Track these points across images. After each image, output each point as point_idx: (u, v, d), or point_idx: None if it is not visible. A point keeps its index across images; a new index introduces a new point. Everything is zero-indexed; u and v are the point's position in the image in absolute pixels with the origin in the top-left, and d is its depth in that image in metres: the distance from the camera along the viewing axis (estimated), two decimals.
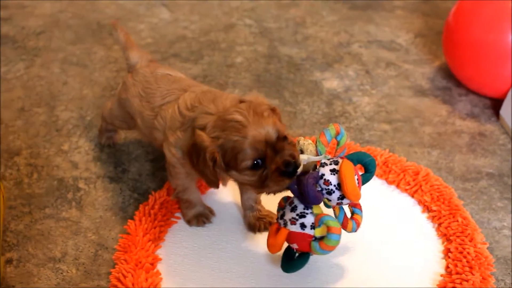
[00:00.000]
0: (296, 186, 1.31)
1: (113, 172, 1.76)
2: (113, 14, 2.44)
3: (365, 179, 1.38)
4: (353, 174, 1.30)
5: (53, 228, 1.60)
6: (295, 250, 1.37)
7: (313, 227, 1.32)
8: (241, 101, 1.36)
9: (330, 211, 1.37)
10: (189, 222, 1.56)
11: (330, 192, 1.31)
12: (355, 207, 1.39)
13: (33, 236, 1.58)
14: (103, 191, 1.70)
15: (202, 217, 1.56)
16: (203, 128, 1.34)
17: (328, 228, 1.29)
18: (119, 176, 1.74)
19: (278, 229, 1.35)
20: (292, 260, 1.37)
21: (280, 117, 1.39)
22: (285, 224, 1.34)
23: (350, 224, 1.36)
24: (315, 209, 1.33)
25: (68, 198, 1.68)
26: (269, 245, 1.36)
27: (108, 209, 1.65)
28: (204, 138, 1.32)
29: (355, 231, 1.37)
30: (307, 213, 1.33)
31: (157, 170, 1.76)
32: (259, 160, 1.30)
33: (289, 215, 1.34)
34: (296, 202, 1.35)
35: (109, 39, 2.31)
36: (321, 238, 1.31)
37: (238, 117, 1.30)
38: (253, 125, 1.29)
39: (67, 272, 1.49)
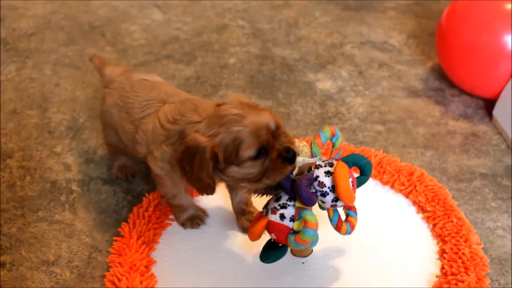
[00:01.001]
0: (289, 184, 1.32)
1: (106, 174, 1.75)
2: (105, 15, 2.43)
3: (360, 181, 1.38)
4: (347, 176, 1.30)
5: (46, 231, 1.59)
6: (272, 240, 1.36)
7: (292, 219, 1.31)
8: (219, 105, 1.35)
9: (325, 213, 1.36)
10: (183, 225, 1.55)
11: (324, 194, 1.31)
12: (350, 210, 1.38)
13: (26, 239, 1.57)
14: (96, 194, 1.69)
15: (195, 219, 1.55)
16: (197, 131, 1.32)
17: (305, 222, 1.29)
18: (113, 178, 1.73)
19: (260, 217, 1.35)
20: (270, 250, 1.36)
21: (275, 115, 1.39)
22: (267, 213, 1.34)
23: (345, 226, 1.36)
24: (298, 202, 1.32)
25: (61, 201, 1.67)
26: (249, 232, 1.36)
27: (102, 212, 1.64)
28: (200, 138, 1.29)
29: (349, 233, 1.37)
30: (289, 205, 1.32)
31: (150, 172, 1.74)
32: (261, 148, 1.27)
33: (272, 204, 1.34)
34: (282, 192, 1.34)
35: (102, 40, 2.30)
36: (298, 232, 1.31)
37: (234, 110, 1.29)
38: (252, 115, 1.28)
39: (61, 275, 1.49)
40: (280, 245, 1.35)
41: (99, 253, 1.54)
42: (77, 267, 1.51)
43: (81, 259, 1.52)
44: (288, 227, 1.30)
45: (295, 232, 1.31)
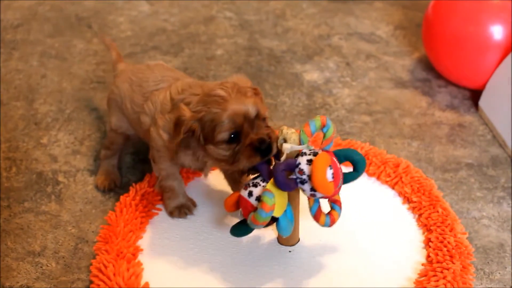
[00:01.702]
0: (264, 167, 1.32)
1: (93, 165, 1.75)
2: (92, 6, 2.42)
3: (350, 177, 1.36)
4: (325, 166, 1.28)
5: (32, 222, 1.59)
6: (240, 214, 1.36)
7: (258, 199, 1.31)
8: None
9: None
10: (171, 213, 1.55)
11: (303, 182, 1.31)
12: (335, 203, 1.37)
13: (12, 230, 1.56)
14: (82, 185, 1.69)
15: (184, 208, 1.55)
16: (188, 104, 1.38)
17: (261, 203, 1.28)
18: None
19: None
20: (238, 225, 1.37)
21: (262, 99, 1.41)
22: (241, 188, 1.35)
23: (323, 218, 1.35)
24: (269, 184, 1.31)
25: (47, 192, 1.67)
26: (224, 203, 1.38)
27: (88, 203, 1.64)
28: (186, 111, 1.36)
29: (329, 226, 1.36)
30: (260, 184, 1.32)
31: (137, 163, 1.75)
32: (235, 133, 1.33)
33: (248, 181, 1.34)
34: None
35: (88, 32, 2.29)
36: None
37: (221, 92, 1.35)
38: (234, 100, 1.34)
39: (47, 265, 1.48)
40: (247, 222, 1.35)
41: (85, 243, 1.53)
42: (63, 257, 1.50)
43: (67, 249, 1.52)
44: (252, 205, 1.30)
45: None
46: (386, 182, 1.63)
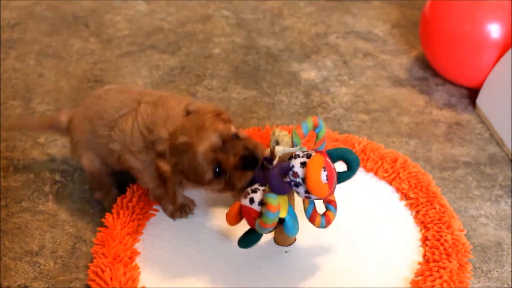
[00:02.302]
0: (259, 173, 1.32)
1: None
2: (88, 6, 2.41)
3: (344, 177, 1.36)
4: (319, 169, 1.28)
5: (30, 222, 1.59)
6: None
7: (261, 203, 1.30)
8: (188, 113, 1.41)
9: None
10: (172, 215, 1.54)
11: (297, 185, 1.30)
12: (330, 204, 1.37)
13: (9, 230, 1.56)
14: (80, 184, 1.69)
15: (184, 208, 1.55)
16: (163, 154, 1.38)
17: (266, 205, 1.28)
18: None
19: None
20: (245, 235, 1.36)
21: (228, 118, 1.40)
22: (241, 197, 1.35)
23: (319, 219, 1.35)
24: (268, 187, 1.31)
25: (45, 191, 1.67)
26: (225, 217, 1.37)
27: (86, 202, 1.64)
28: (165, 168, 1.37)
29: (324, 227, 1.36)
30: (259, 189, 1.31)
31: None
32: (217, 167, 1.33)
33: (246, 189, 1.34)
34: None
35: (85, 31, 2.29)
36: None
37: (183, 138, 1.34)
38: (198, 141, 1.33)
39: (45, 265, 1.48)
40: (253, 230, 1.34)
41: (83, 243, 1.53)
42: (61, 257, 1.50)
43: (65, 249, 1.52)
44: (256, 211, 1.30)
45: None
46: (383, 178, 1.63)
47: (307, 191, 1.30)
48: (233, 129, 1.36)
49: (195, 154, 1.33)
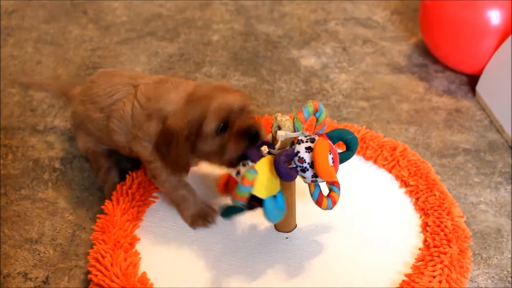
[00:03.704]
0: (254, 153, 1.32)
1: None
2: None
3: (345, 157, 1.37)
4: (327, 153, 1.28)
5: (29, 209, 1.58)
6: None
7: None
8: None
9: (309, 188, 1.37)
10: (192, 224, 1.48)
11: (304, 170, 1.31)
12: (333, 185, 1.38)
13: (9, 218, 1.56)
14: (79, 171, 1.68)
15: (206, 217, 1.47)
16: (166, 117, 1.36)
17: (242, 178, 1.27)
18: None
19: None
20: (228, 207, 1.35)
21: (247, 97, 1.40)
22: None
23: (325, 201, 1.35)
24: (257, 164, 1.30)
25: (44, 179, 1.66)
26: (216, 184, 1.36)
27: (85, 189, 1.64)
28: (177, 124, 1.34)
29: (330, 208, 1.36)
30: (248, 164, 1.31)
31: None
32: (222, 125, 1.33)
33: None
34: None
35: (84, 18, 2.27)
36: None
37: (204, 91, 1.36)
38: (218, 96, 1.35)
39: (44, 253, 1.48)
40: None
41: (83, 230, 1.53)
42: (61, 244, 1.50)
43: (64, 236, 1.52)
44: (237, 181, 1.29)
45: None
46: (383, 166, 1.62)
47: (313, 175, 1.30)
48: (252, 106, 1.38)
49: (210, 104, 1.33)
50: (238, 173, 1.30)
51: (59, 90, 1.74)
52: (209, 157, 1.39)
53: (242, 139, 1.33)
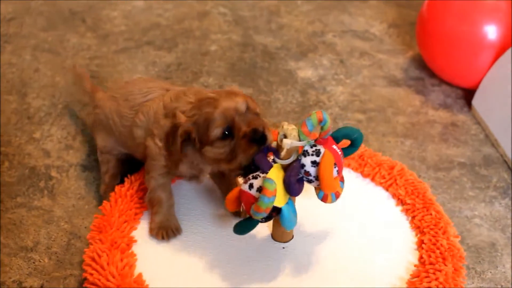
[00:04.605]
0: (264, 161, 1.32)
1: (86, 160, 1.74)
2: (85, 1, 2.41)
3: (349, 153, 1.38)
4: (332, 168, 1.30)
5: (24, 217, 1.58)
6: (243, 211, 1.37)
7: (259, 190, 1.30)
8: None
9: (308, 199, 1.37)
10: (151, 230, 1.48)
11: (310, 181, 1.34)
12: (339, 180, 1.38)
13: (4, 225, 1.56)
14: (76, 180, 1.69)
15: (168, 230, 1.47)
16: (183, 113, 1.40)
17: (262, 189, 1.28)
18: (93, 164, 1.72)
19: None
20: (242, 221, 1.36)
21: (256, 103, 1.41)
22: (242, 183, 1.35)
23: (330, 198, 1.36)
24: (270, 173, 1.31)
25: (40, 187, 1.66)
26: (225, 201, 1.37)
27: (81, 198, 1.64)
28: (181, 118, 1.38)
29: (335, 201, 1.37)
30: (259, 176, 1.32)
31: (131, 158, 1.74)
32: (227, 128, 1.35)
33: (248, 174, 1.34)
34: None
35: (82, 26, 2.28)
36: None
37: (212, 94, 1.39)
38: (225, 99, 1.37)
39: (39, 261, 1.48)
40: (250, 217, 1.34)
41: (78, 239, 1.53)
42: (56, 253, 1.50)
43: (60, 245, 1.52)
44: (254, 196, 1.30)
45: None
46: (380, 184, 1.63)
47: (319, 185, 1.33)
48: (258, 109, 1.40)
49: (217, 107, 1.35)
50: (251, 186, 1.31)
51: (91, 87, 1.75)
52: (216, 162, 1.40)
53: (250, 145, 1.34)
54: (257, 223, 1.35)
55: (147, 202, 1.51)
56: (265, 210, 1.28)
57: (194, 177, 1.50)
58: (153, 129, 1.46)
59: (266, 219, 1.33)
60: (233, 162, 1.36)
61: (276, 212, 1.32)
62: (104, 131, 1.61)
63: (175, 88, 1.53)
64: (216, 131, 1.35)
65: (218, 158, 1.38)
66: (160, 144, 1.44)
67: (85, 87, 1.76)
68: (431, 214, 1.52)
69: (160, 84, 1.57)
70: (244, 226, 1.36)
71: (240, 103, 1.36)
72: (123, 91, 1.58)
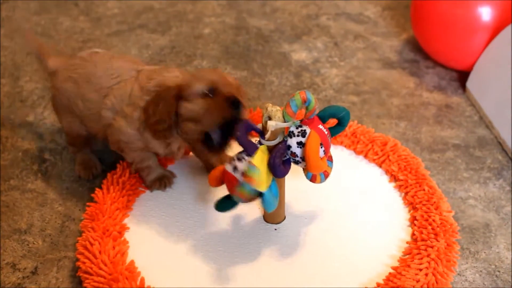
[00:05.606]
0: (245, 141, 1.32)
1: None
2: None
3: (336, 131, 1.37)
4: (317, 148, 1.30)
5: (18, 200, 1.58)
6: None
7: (243, 173, 1.30)
8: None
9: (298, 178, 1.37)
10: (151, 186, 1.55)
11: (296, 162, 1.33)
12: (328, 160, 1.38)
13: None
14: (69, 162, 1.68)
15: (163, 180, 1.55)
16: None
17: (246, 177, 1.28)
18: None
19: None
20: (223, 200, 1.36)
21: (243, 92, 1.42)
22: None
23: (319, 177, 1.35)
24: (254, 159, 1.30)
25: (33, 170, 1.66)
26: (208, 177, 1.37)
27: (75, 181, 1.63)
28: (169, 85, 1.40)
29: (324, 181, 1.37)
30: (244, 158, 1.31)
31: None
32: (210, 90, 1.37)
33: (233, 154, 1.34)
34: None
35: (74, 9, 2.27)
36: None
37: (202, 69, 1.43)
38: (213, 71, 1.41)
39: (33, 243, 1.48)
40: (231, 196, 1.34)
41: (72, 221, 1.53)
42: (50, 235, 1.50)
43: (53, 227, 1.51)
44: (237, 179, 1.29)
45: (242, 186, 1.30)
46: (373, 160, 1.63)
47: (306, 166, 1.32)
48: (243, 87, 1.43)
49: (204, 75, 1.39)
50: (235, 169, 1.30)
51: (39, 51, 1.65)
52: (190, 123, 1.38)
53: (227, 106, 1.34)
54: (237, 203, 1.35)
55: (135, 170, 1.54)
56: (247, 197, 1.29)
57: (169, 155, 1.51)
58: (126, 110, 1.44)
59: (248, 201, 1.33)
60: (204, 124, 1.36)
61: (258, 195, 1.32)
62: (68, 113, 1.57)
63: (145, 67, 1.50)
64: (198, 87, 1.37)
65: (192, 118, 1.37)
66: (135, 123, 1.43)
67: (37, 53, 1.66)
68: (424, 190, 1.53)
69: (126, 63, 1.51)
70: (226, 204, 1.36)
71: (225, 74, 1.40)
72: (82, 71, 1.52)
